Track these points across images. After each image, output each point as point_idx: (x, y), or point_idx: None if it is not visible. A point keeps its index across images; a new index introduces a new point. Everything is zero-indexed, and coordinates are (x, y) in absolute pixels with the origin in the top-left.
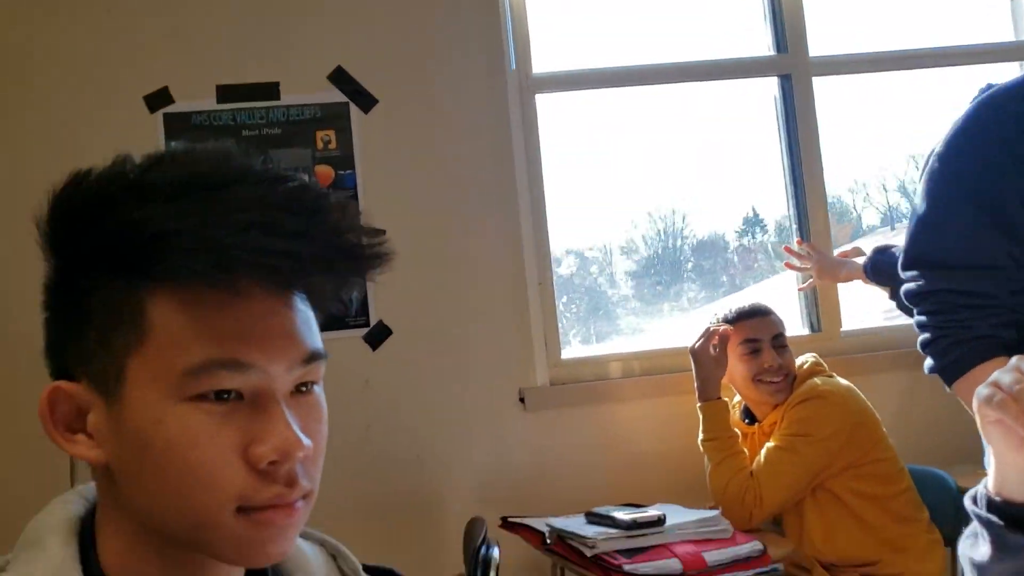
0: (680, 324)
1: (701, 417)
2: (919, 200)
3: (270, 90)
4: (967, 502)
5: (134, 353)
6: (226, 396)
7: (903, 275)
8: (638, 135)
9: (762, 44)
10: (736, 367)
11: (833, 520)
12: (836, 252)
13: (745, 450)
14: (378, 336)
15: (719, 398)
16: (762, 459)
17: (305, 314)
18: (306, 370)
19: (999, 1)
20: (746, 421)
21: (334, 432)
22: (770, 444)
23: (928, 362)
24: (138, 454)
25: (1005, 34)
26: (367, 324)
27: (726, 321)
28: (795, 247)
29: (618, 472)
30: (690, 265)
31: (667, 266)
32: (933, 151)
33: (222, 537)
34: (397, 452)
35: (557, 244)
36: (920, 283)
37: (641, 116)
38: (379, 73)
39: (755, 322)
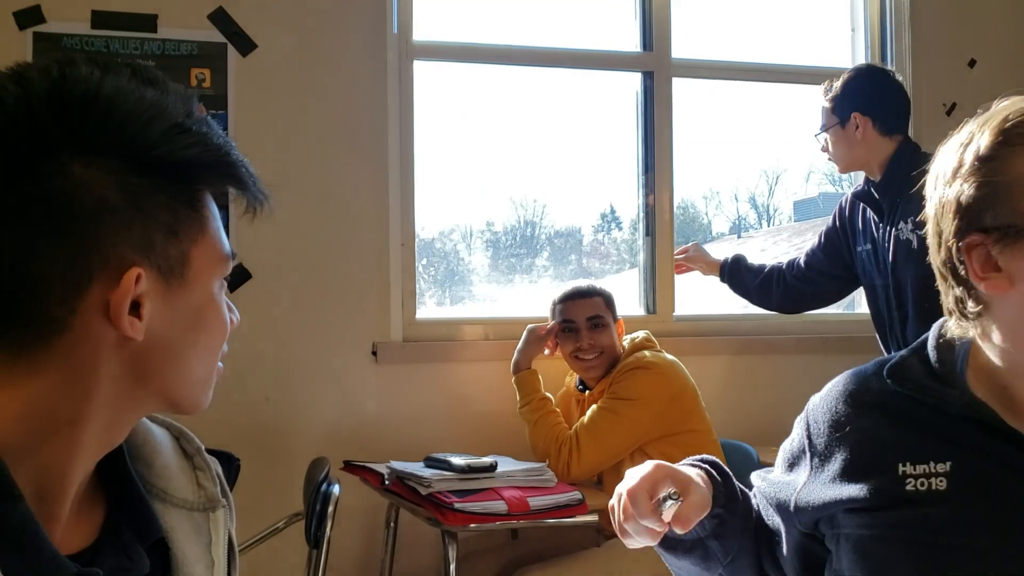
0: (530, 295)
1: (516, 388)
2: None
3: (147, 21)
4: None
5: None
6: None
7: None
8: (508, 119)
9: (631, 40)
10: (560, 345)
11: None
12: (676, 249)
13: (558, 410)
14: (237, 278)
15: (529, 368)
16: (586, 418)
17: None
18: None
19: (843, 29)
20: (580, 388)
21: None
22: (595, 406)
23: None
24: (192, 328)
25: (845, 60)
26: None
27: (555, 301)
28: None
29: (461, 427)
30: (546, 254)
31: (524, 240)
32: None
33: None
34: (247, 391)
35: (421, 209)
36: None
37: (513, 100)
38: (261, 18)
39: (572, 304)
